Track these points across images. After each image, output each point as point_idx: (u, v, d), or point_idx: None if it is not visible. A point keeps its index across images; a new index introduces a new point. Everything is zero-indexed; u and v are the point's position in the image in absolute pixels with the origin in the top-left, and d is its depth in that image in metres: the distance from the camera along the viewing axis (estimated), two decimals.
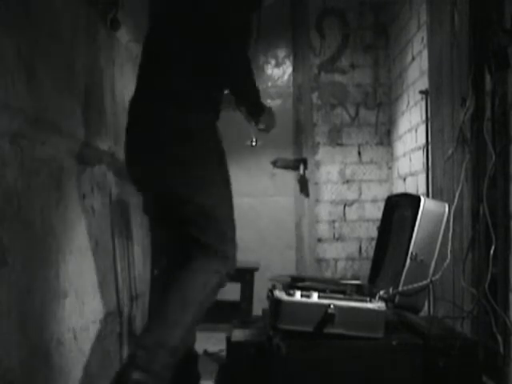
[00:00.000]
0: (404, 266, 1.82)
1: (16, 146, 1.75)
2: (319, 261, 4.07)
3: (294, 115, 4.24)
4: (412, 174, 3.47)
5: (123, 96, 3.19)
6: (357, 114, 4.18)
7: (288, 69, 4.30)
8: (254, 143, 2.55)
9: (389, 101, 4.13)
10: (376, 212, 4.03)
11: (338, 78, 4.18)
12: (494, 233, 2.11)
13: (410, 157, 3.53)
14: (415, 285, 1.80)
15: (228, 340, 1.68)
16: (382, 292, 1.80)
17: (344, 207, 4.14)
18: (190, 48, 2.03)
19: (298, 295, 1.70)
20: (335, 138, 4.17)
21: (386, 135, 4.14)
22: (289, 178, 4.15)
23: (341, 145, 4.17)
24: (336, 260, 4.09)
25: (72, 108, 2.24)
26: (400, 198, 2.23)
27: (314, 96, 4.18)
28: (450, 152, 2.46)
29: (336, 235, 4.12)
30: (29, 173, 1.84)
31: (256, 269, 2.97)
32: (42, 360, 1.86)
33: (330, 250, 4.11)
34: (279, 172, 4.14)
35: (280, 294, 1.71)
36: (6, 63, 1.68)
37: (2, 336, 1.61)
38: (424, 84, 3.04)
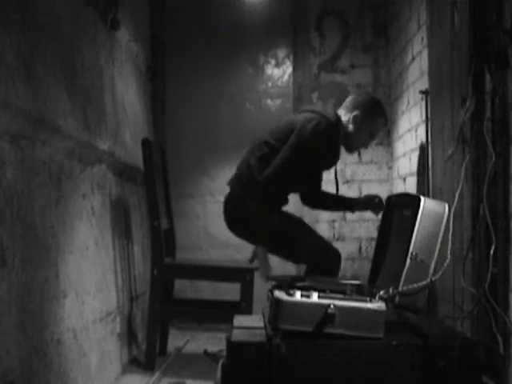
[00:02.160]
0: (404, 265, 1.82)
1: (16, 146, 1.75)
2: None
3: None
4: (412, 174, 3.47)
5: (123, 96, 3.19)
6: None
7: (288, 69, 4.30)
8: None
9: (389, 101, 4.13)
10: None
11: (338, 77, 4.18)
12: (494, 233, 2.11)
13: (409, 157, 3.52)
14: (415, 285, 1.80)
15: (228, 340, 1.68)
16: (381, 292, 1.80)
17: None
18: None
19: (298, 295, 1.70)
20: None
21: (385, 135, 4.14)
22: None
23: None
24: None
25: (72, 108, 2.24)
26: (400, 198, 2.22)
27: (314, 96, 4.17)
28: (449, 152, 2.46)
29: (336, 235, 4.12)
30: (29, 173, 1.84)
31: (256, 269, 2.97)
32: (41, 360, 1.86)
33: None
34: None
35: (280, 294, 1.71)
36: (6, 63, 1.68)
37: (2, 335, 1.61)
38: (424, 84, 3.04)
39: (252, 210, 2.70)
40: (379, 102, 2.86)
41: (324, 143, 2.70)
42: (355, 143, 2.83)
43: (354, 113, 2.76)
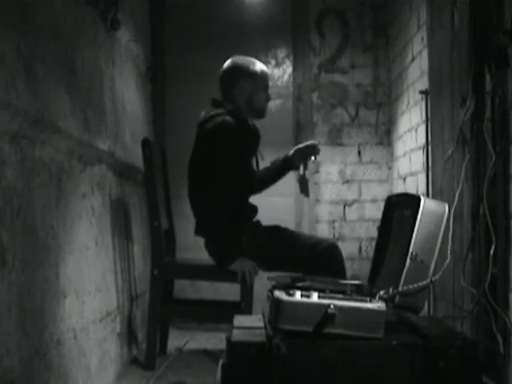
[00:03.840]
0: (404, 265, 1.82)
1: (16, 146, 1.75)
2: None
3: (293, 115, 4.24)
4: (412, 174, 3.47)
5: (123, 96, 3.19)
6: (357, 114, 4.18)
7: (288, 69, 4.30)
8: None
9: (389, 101, 4.13)
10: (376, 212, 4.03)
11: (337, 78, 4.19)
12: (494, 233, 2.11)
13: (409, 157, 3.53)
14: (415, 285, 1.80)
15: (228, 340, 1.68)
16: (382, 292, 1.80)
17: (344, 207, 4.14)
18: None
19: (298, 295, 1.70)
20: (335, 138, 4.17)
21: (386, 135, 4.15)
22: (289, 178, 4.14)
23: (341, 145, 4.17)
24: None
25: (72, 108, 2.24)
26: (400, 198, 2.22)
27: (314, 96, 4.18)
28: (449, 152, 2.46)
29: (336, 235, 4.12)
30: (29, 173, 1.84)
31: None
32: (41, 360, 1.86)
33: None
34: None
35: (280, 294, 1.70)
36: (6, 63, 1.68)
37: (2, 336, 1.61)
38: (424, 84, 3.04)
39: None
40: (242, 60, 2.78)
41: (236, 132, 2.64)
42: (260, 105, 2.77)
43: (238, 86, 2.72)
